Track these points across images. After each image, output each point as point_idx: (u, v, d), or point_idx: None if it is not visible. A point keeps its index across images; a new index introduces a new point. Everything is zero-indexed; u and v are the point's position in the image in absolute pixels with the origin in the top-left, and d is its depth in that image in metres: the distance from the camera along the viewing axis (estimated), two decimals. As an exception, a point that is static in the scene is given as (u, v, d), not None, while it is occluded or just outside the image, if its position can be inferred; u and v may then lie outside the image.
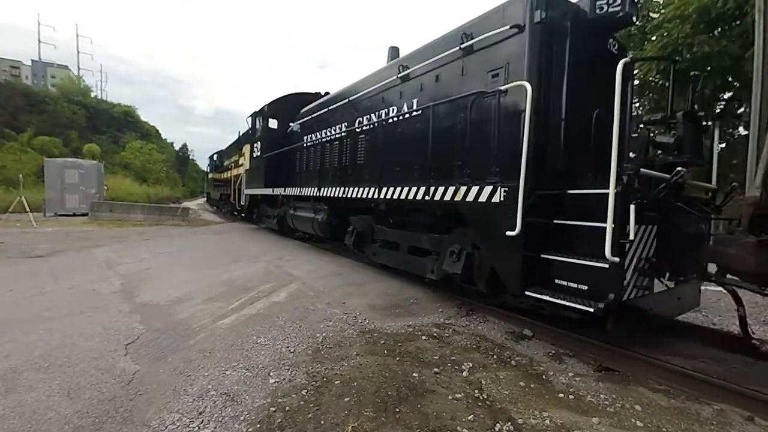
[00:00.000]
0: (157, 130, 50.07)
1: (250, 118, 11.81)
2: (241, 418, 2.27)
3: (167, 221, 15.07)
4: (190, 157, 58.92)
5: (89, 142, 31.71)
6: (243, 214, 14.11)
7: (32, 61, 69.54)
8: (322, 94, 9.82)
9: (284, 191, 9.29)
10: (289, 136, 9.76)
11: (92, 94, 44.80)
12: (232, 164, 16.87)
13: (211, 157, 25.95)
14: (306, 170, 8.41)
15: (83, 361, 2.92)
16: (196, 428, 2.16)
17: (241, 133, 15.15)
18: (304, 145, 8.48)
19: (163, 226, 13.65)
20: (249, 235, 12.08)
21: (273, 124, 10.35)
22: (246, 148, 13.11)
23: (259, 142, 10.92)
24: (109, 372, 2.77)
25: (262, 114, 10.73)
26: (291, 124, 9.82)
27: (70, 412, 2.27)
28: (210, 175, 26.51)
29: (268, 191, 10.21)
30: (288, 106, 10.17)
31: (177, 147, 53.91)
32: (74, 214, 15.51)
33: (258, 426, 2.20)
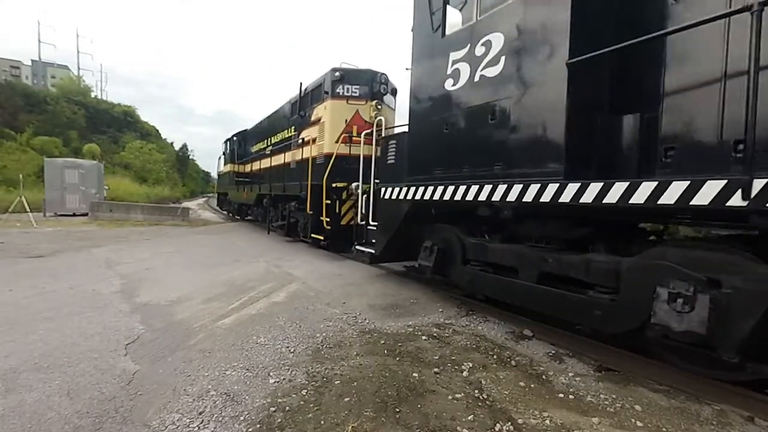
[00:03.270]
0: (157, 130, 50.19)
1: None
2: (241, 418, 2.27)
3: (167, 221, 15.06)
4: (190, 157, 59.10)
5: (89, 142, 31.73)
6: (361, 247, 6.23)
7: (32, 61, 69.76)
8: None
9: None
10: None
11: (92, 94, 45.03)
12: (270, 147, 11.49)
13: (228, 141, 17.71)
14: None
15: (83, 361, 2.92)
16: (196, 428, 2.16)
17: (304, 88, 9.22)
18: None
19: (163, 226, 13.64)
20: (248, 235, 12.09)
21: None
22: (328, 107, 7.73)
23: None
24: (109, 372, 2.77)
25: None
26: None
27: (70, 412, 2.27)
28: (226, 168, 17.88)
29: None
30: None
31: (177, 147, 53.97)
32: (74, 214, 15.52)
33: (258, 426, 2.20)
